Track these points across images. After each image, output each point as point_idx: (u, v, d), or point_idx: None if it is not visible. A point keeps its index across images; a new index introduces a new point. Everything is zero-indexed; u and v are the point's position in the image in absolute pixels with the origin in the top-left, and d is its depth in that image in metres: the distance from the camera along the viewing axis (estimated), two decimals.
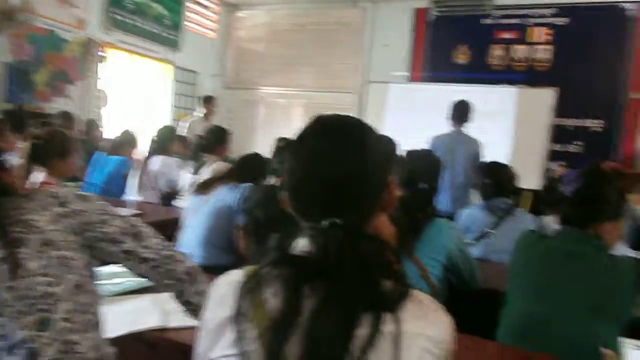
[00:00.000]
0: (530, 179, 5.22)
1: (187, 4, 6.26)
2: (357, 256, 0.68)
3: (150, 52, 5.66)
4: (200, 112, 5.42)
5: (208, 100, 5.42)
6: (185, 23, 6.26)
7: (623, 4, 5.20)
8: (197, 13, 6.53)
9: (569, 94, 5.29)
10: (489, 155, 4.82)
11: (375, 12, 6.31)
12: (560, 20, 5.45)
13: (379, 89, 6.11)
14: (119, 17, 5.19)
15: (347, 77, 6.45)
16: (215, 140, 3.03)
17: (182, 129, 5.11)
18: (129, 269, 0.99)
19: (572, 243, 1.38)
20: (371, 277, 0.68)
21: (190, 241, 2.01)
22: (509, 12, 5.64)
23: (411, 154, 1.84)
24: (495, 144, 5.38)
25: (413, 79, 6.12)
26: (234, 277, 0.75)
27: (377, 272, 0.69)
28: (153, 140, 3.29)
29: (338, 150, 0.73)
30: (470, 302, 1.80)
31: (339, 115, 0.79)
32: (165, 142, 3.29)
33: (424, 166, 1.74)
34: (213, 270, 1.89)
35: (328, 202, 0.72)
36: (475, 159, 3.55)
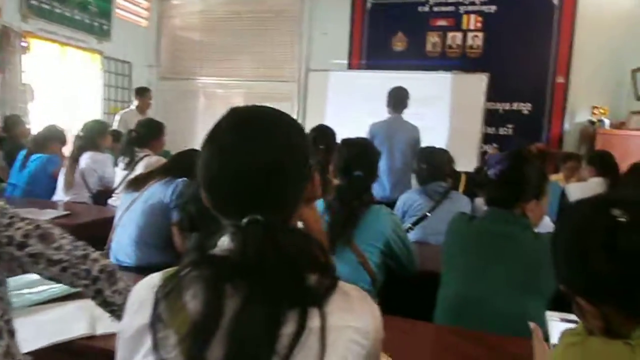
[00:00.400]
0: (466, 161, 5.42)
1: None
2: (279, 252, 0.66)
3: (77, 42, 5.31)
4: (134, 104, 5.17)
5: (141, 92, 5.18)
6: (116, 11, 5.93)
7: None
8: (128, 0, 6.21)
9: (500, 79, 5.51)
10: (427, 139, 4.95)
11: (314, 0, 6.26)
12: (490, 8, 5.66)
13: (318, 77, 6.10)
14: (36, 4, 4.81)
15: (287, 66, 6.38)
16: (148, 134, 2.90)
17: (115, 123, 4.87)
18: (40, 274, 0.93)
19: (499, 223, 1.44)
20: (295, 272, 0.66)
21: (123, 241, 1.91)
22: (442, 0, 5.80)
23: (346, 142, 1.84)
24: (432, 129, 5.54)
25: (352, 66, 6.15)
26: (153, 281, 0.71)
27: (301, 266, 0.68)
28: (79, 136, 3.08)
29: (252, 143, 0.69)
30: (409, 285, 1.85)
31: (254, 107, 0.76)
32: (94, 137, 3.10)
33: (360, 154, 1.75)
34: (148, 270, 1.81)
35: (245, 198, 0.69)
36: (414, 144, 3.62)
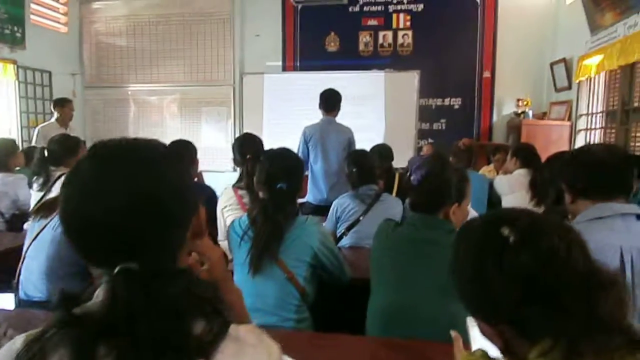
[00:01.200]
0: (404, 157, 5.53)
1: None
2: (153, 303, 0.59)
3: None
4: (54, 117, 4.83)
5: (61, 103, 4.83)
6: (31, 17, 5.52)
7: None
8: (42, 5, 5.80)
9: (431, 76, 5.68)
10: (364, 137, 5.01)
11: (244, 2, 6.14)
12: (417, 7, 5.79)
13: (253, 80, 6.00)
14: None
15: (221, 70, 6.23)
16: (63, 151, 2.69)
17: (33, 138, 4.53)
18: None
19: (423, 229, 1.44)
20: (174, 323, 0.60)
21: (32, 273, 1.75)
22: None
23: (268, 153, 1.78)
24: (369, 127, 5.63)
25: (287, 68, 6.10)
26: (15, 346, 0.62)
27: (182, 315, 0.61)
28: None
29: (113, 182, 0.62)
30: (344, 295, 1.83)
31: (120, 141, 0.68)
32: (3, 157, 2.85)
33: (282, 165, 1.69)
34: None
35: (112, 244, 0.61)
36: (348, 146, 3.62)
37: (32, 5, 5.56)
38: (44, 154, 2.71)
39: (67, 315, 0.60)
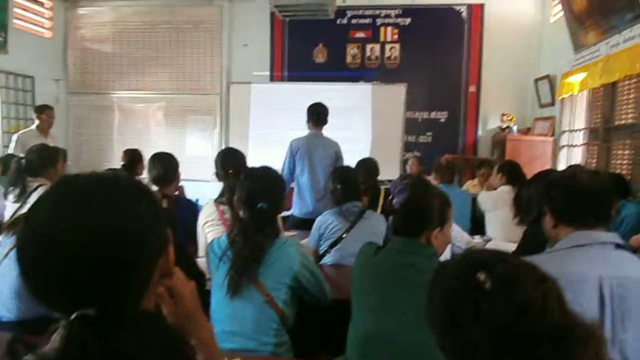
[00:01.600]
0: (390, 169, 5.55)
1: None
2: (108, 355, 0.56)
3: None
4: (34, 124, 4.74)
5: (41, 110, 4.72)
6: (14, 21, 5.43)
7: (458, 7, 5.74)
8: (26, 9, 5.71)
9: (418, 89, 5.72)
10: (351, 149, 5.00)
11: (233, 11, 6.13)
12: (405, 21, 5.84)
13: (240, 89, 5.98)
14: None
15: (207, 78, 6.19)
16: (41, 162, 2.63)
17: (11, 144, 4.43)
18: None
19: (405, 254, 1.42)
20: None
21: (3, 293, 1.69)
22: (360, 12, 5.90)
23: (249, 172, 1.76)
24: (356, 139, 5.64)
25: (274, 78, 6.09)
26: None
27: None
28: None
29: (70, 221, 0.58)
30: (326, 317, 1.79)
31: (83, 176, 0.64)
32: None
33: (263, 185, 1.66)
34: (32, 325, 1.63)
35: (68, 288, 0.58)
36: (335, 160, 3.62)
37: (16, 10, 5.47)
38: (21, 163, 2.64)
39: None
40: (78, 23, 6.34)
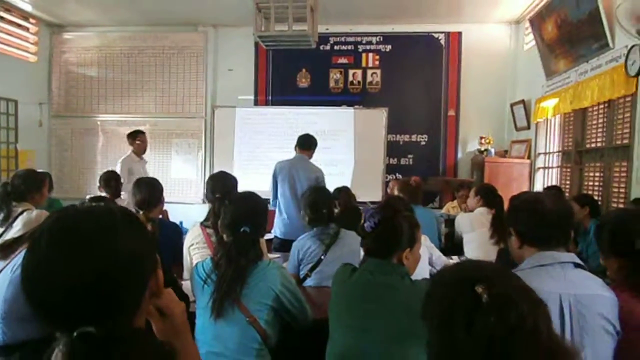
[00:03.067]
0: (372, 191, 5.67)
1: (0, 24, 5.48)
2: None
3: None
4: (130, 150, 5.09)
5: (134, 136, 5.08)
6: None
7: (436, 34, 5.96)
8: (11, 34, 5.75)
9: (398, 113, 5.88)
10: (334, 171, 5.09)
11: (217, 37, 6.26)
12: (385, 47, 6.04)
13: (225, 113, 6.07)
14: None
15: (193, 102, 6.27)
16: (27, 187, 2.66)
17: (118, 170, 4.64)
18: None
19: (378, 274, 1.50)
20: None
21: None
22: (343, 39, 6.08)
23: (233, 197, 1.82)
24: (339, 161, 5.76)
25: (258, 102, 6.20)
26: None
27: None
28: None
29: (70, 253, 0.66)
30: (308, 337, 1.84)
31: (79, 210, 0.73)
32: None
33: (246, 209, 1.73)
34: (17, 348, 1.65)
35: (70, 309, 0.65)
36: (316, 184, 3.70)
37: (1, 35, 5.52)
38: (6, 188, 2.67)
39: None
40: (63, 47, 6.40)
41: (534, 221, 1.39)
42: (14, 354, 1.59)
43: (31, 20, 6.03)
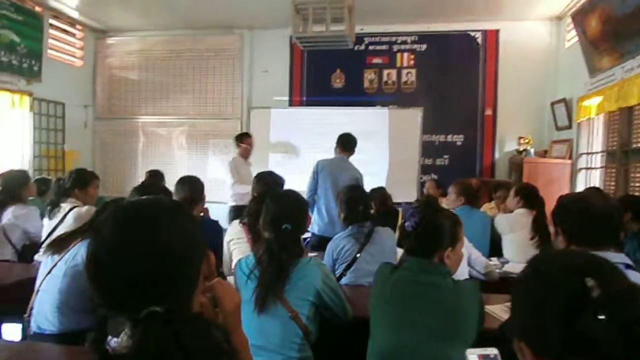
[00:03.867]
0: (407, 191, 5.62)
1: (50, 31, 5.76)
2: (179, 347, 0.66)
3: (4, 84, 5.05)
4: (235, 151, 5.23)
5: (241, 138, 5.17)
6: (48, 51, 5.73)
7: (473, 32, 5.87)
8: (59, 40, 6.04)
9: (434, 113, 5.81)
10: (369, 171, 5.09)
11: (253, 39, 6.36)
12: (421, 47, 5.99)
13: (260, 114, 6.16)
14: None
15: (228, 103, 6.40)
16: (71, 183, 2.79)
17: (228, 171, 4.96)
18: None
19: (420, 273, 1.49)
20: None
21: (45, 307, 1.80)
22: (377, 39, 6.06)
23: (274, 195, 1.86)
24: (373, 162, 5.73)
25: (293, 103, 6.26)
26: None
27: (202, 358, 0.68)
28: None
29: (134, 238, 0.72)
30: (346, 334, 1.86)
31: (136, 202, 0.80)
32: (15, 189, 2.94)
33: (287, 207, 1.77)
34: (72, 337, 1.73)
35: (137, 291, 0.70)
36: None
37: (50, 41, 5.79)
38: (59, 183, 2.82)
39: (103, 357, 0.67)
40: (106, 52, 6.65)
41: (582, 220, 1.37)
42: (70, 343, 1.67)
43: (77, 26, 6.30)
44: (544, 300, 0.69)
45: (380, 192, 3.69)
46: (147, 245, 0.71)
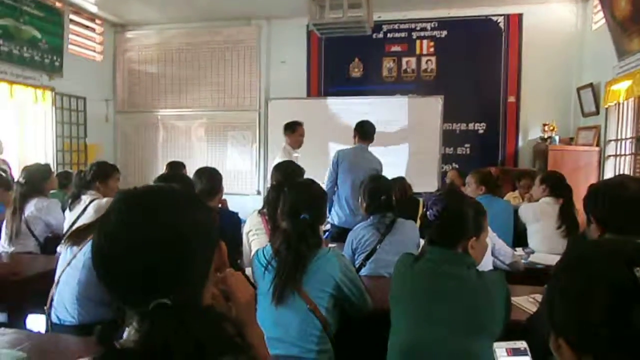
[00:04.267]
0: (428, 181, 5.52)
1: (71, 26, 5.82)
2: (188, 339, 0.63)
3: (26, 79, 5.14)
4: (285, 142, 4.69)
5: (293, 128, 4.60)
6: (69, 47, 5.80)
7: (495, 17, 5.70)
8: (80, 35, 6.10)
9: (455, 101, 5.67)
10: (389, 161, 5.01)
11: (270, 29, 6.32)
12: (441, 33, 5.85)
13: (278, 105, 6.12)
14: None
15: (247, 95, 6.38)
16: (92, 176, 2.81)
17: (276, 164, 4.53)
18: None
19: (443, 263, 1.44)
20: (209, 358, 0.63)
21: (64, 298, 1.82)
22: (396, 26, 5.95)
23: (292, 185, 1.82)
24: (393, 151, 5.65)
25: (311, 93, 6.21)
26: None
27: (212, 351, 0.65)
28: (20, 183, 2.94)
29: (141, 227, 0.68)
30: (366, 326, 1.82)
31: (145, 189, 0.76)
32: (38, 182, 2.97)
33: (305, 196, 1.73)
34: (91, 328, 1.74)
35: (145, 282, 0.67)
36: None
37: (71, 36, 5.85)
38: (80, 175, 2.84)
39: (107, 351, 0.64)
40: (126, 46, 6.69)
41: (616, 207, 1.29)
42: (89, 334, 1.67)
43: (97, 21, 6.35)
44: (588, 292, 0.64)
45: (400, 182, 3.62)
46: (152, 233, 0.68)
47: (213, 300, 0.86)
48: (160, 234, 0.68)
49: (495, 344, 1.15)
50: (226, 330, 0.68)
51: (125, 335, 0.69)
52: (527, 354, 1.07)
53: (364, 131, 3.91)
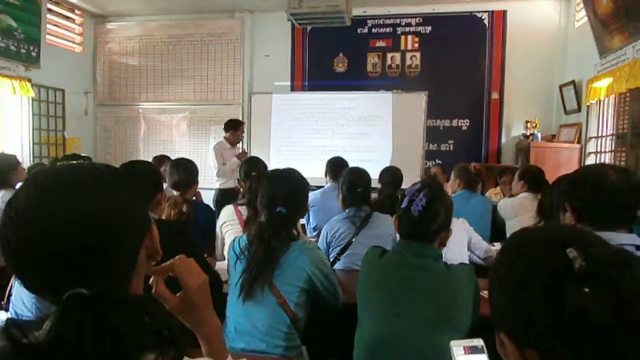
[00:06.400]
0: (411, 177, 5.48)
1: (49, 16, 5.67)
2: (103, 334, 0.57)
3: (1, 70, 5.00)
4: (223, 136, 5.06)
5: (235, 125, 4.96)
6: (47, 37, 5.65)
7: (479, 13, 5.69)
8: (58, 25, 5.95)
9: (439, 97, 5.66)
10: (372, 158, 4.97)
11: (254, 22, 6.24)
12: (425, 29, 5.82)
13: (262, 99, 6.05)
14: None
15: (230, 89, 6.30)
16: None
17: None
18: None
19: (411, 256, 1.40)
20: (124, 355, 0.57)
21: (22, 293, 1.74)
22: (381, 21, 5.91)
23: (271, 174, 1.75)
24: (377, 148, 5.63)
25: (295, 88, 6.14)
26: None
27: (133, 347, 0.59)
28: None
29: (52, 208, 0.60)
30: (335, 320, 1.78)
31: (60, 168, 0.67)
32: (4, 172, 2.87)
33: (283, 188, 1.66)
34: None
35: (60, 269, 0.59)
36: None
37: (49, 26, 5.70)
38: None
39: (12, 346, 0.57)
40: (106, 38, 6.56)
41: (594, 197, 1.24)
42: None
43: (76, 11, 6.21)
44: (523, 279, 0.62)
45: (393, 171, 3.49)
46: (65, 213, 0.60)
47: (158, 292, 0.80)
48: (75, 215, 0.60)
49: (452, 342, 1.12)
50: (154, 324, 0.62)
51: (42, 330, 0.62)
52: (483, 352, 1.03)
53: (335, 170, 3.47)
